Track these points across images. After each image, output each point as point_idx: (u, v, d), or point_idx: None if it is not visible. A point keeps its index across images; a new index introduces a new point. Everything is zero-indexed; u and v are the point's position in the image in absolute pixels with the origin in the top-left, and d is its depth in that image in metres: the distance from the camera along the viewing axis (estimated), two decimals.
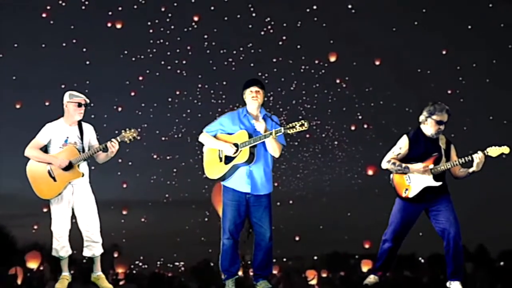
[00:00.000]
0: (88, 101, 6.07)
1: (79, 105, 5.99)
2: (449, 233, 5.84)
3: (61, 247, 5.99)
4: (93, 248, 6.04)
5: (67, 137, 5.98)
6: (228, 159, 5.69)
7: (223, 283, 5.86)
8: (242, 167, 5.66)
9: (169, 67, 29.53)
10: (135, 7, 27.13)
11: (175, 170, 31.01)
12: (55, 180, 5.88)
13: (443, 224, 5.89)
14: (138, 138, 5.87)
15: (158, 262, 51.66)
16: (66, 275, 6.08)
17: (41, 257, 18.18)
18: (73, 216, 6.06)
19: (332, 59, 25.53)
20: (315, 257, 46.36)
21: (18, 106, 24.22)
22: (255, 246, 5.79)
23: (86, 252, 6.06)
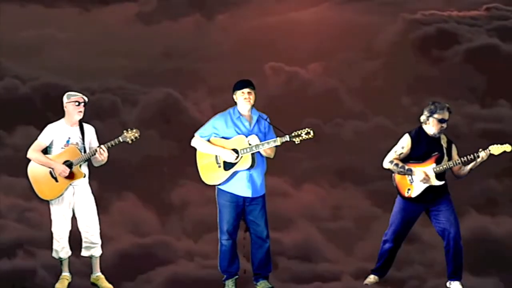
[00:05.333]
0: (86, 99, 6.10)
1: (78, 103, 6.02)
2: (449, 233, 5.79)
3: (62, 248, 6.03)
4: (92, 249, 6.07)
5: (69, 138, 6.02)
6: (228, 165, 5.68)
7: (223, 283, 5.88)
8: (242, 172, 5.68)
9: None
10: None
11: None
12: (56, 181, 5.93)
13: (444, 224, 5.83)
14: (139, 138, 5.90)
15: None
16: (66, 275, 6.12)
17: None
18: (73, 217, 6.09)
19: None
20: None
21: None
22: (253, 245, 5.83)
23: (85, 253, 6.09)
